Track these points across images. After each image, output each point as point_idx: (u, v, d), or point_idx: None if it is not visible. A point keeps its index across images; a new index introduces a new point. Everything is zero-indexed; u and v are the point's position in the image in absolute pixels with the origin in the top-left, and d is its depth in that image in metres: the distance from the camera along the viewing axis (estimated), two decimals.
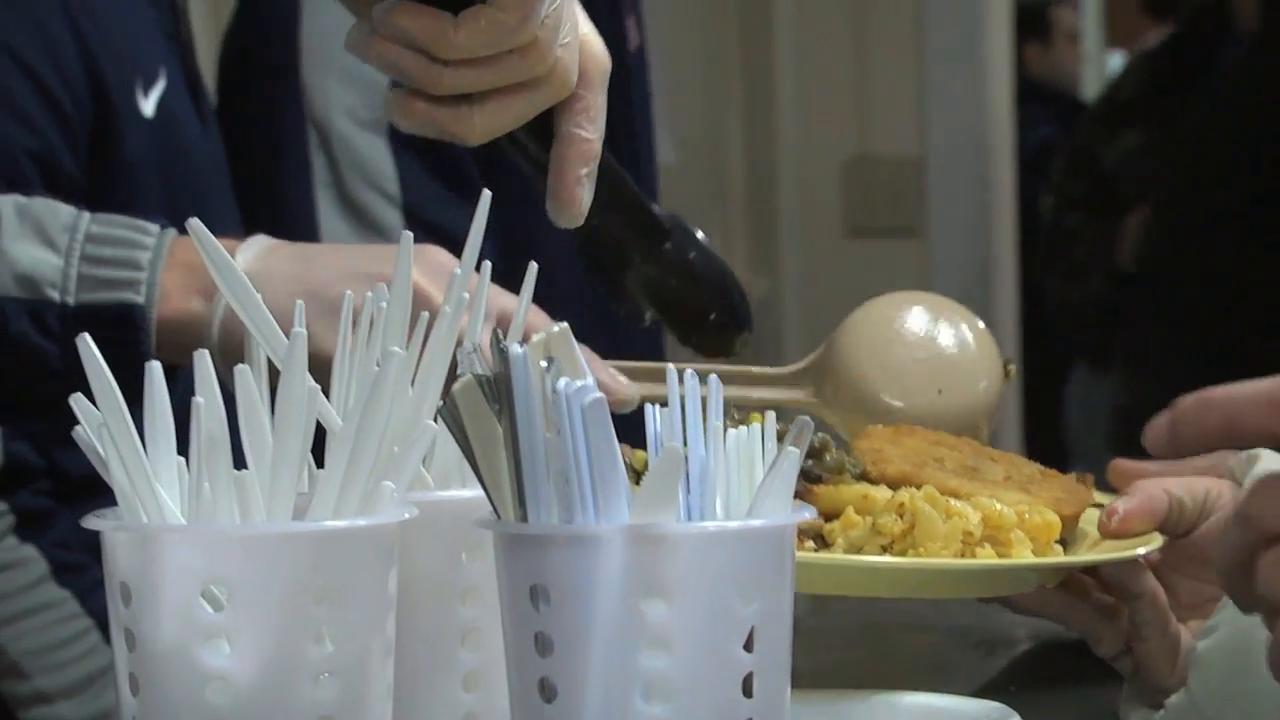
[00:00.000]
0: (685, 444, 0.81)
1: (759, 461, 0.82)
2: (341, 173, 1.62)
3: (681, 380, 0.81)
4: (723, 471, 0.81)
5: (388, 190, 1.63)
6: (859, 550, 1.06)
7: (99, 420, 0.80)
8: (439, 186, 1.64)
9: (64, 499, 1.45)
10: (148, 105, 1.46)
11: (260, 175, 1.65)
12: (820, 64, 3.18)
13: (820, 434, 1.09)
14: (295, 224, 1.60)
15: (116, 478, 0.80)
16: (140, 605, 0.79)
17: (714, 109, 3.17)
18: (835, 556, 1.05)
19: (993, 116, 3.27)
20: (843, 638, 0.99)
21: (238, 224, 1.56)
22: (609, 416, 0.76)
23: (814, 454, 1.09)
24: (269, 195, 1.64)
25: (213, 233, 0.85)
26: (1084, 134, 3.81)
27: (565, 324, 0.79)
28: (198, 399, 0.78)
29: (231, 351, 1.12)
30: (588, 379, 0.77)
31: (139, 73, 1.46)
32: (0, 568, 1.42)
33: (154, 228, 1.19)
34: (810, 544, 1.06)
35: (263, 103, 1.68)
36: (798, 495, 0.82)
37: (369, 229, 1.61)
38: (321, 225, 1.63)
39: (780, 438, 0.81)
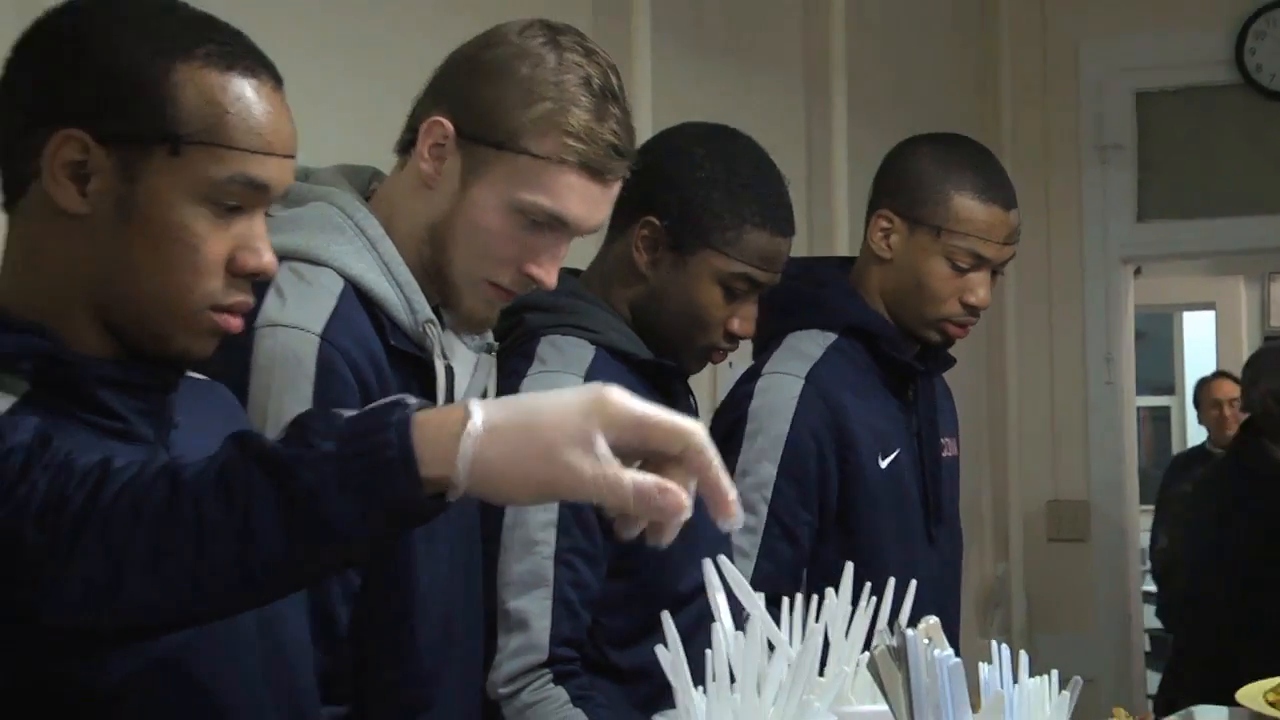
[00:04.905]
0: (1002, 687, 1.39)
1: (1047, 701, 1.40)
2: None
3: (999, 651, 1.40)
4: (1026, 707, 1.39)
5: None
6: None
7: (670, 659, 1.39)
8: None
9: (606, 676, 2.10)
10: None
11: None
12: (1033, 449, 5.87)
13: None
14: None
15: (677, 692, 1.39)
16: None
17: (973, 476, 5.46)
18: None
19: (1126, 478, 5.85)
20: None
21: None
22: (964, 672, 1.35)
23: None
24: None
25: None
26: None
27: (937, 618, 1.38)
28: (712, 646, 1.36)
29: None
30: (947, 650, 1.36)
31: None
32: (534, 701, 2.06)
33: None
34: None
35: None
36: None
37: None
38: None
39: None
